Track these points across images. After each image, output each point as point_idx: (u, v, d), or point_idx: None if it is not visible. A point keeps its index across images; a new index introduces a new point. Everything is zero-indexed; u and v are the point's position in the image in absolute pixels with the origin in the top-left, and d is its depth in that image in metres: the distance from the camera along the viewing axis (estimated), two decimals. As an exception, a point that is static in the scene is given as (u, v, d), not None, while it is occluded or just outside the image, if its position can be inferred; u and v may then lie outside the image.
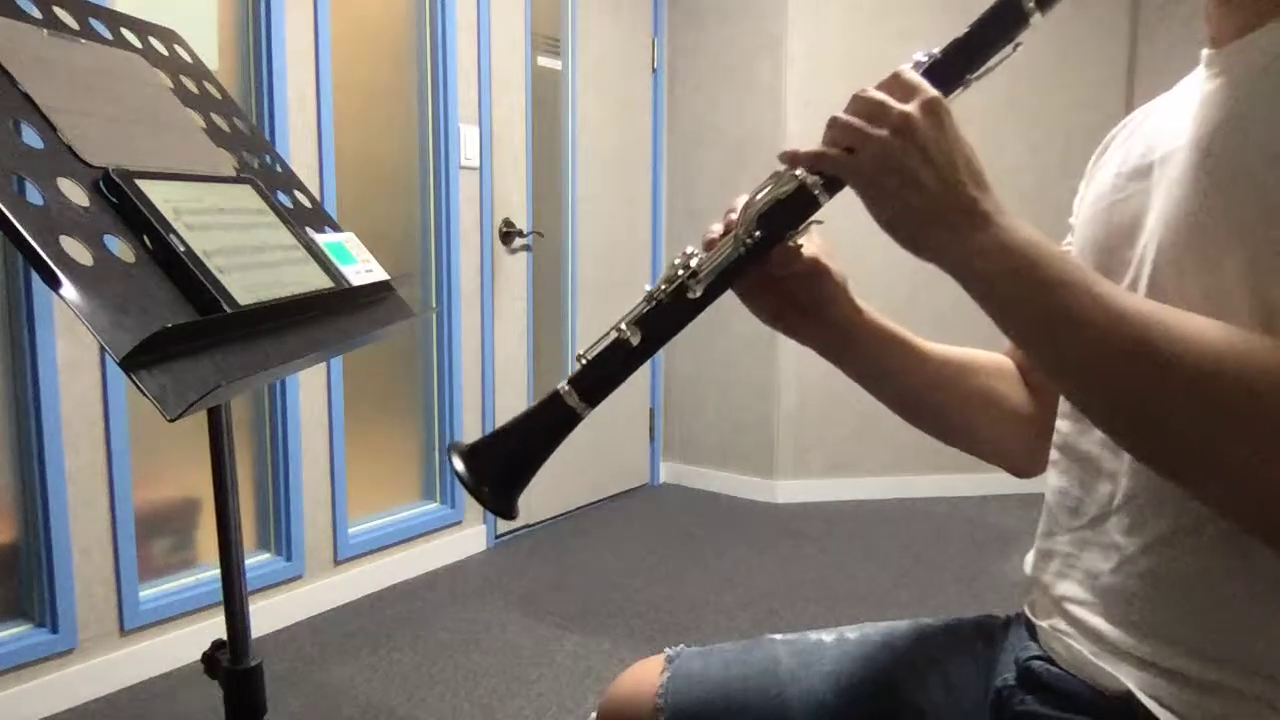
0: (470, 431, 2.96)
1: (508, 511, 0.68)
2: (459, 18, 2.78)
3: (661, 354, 3.81)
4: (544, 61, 3.18)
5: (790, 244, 0.72)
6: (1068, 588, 0.71)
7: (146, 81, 0.99)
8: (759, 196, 0.69)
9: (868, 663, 0.82)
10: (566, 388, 0.68)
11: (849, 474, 3.60)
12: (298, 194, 1.13)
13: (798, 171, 0.68)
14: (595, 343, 0.69)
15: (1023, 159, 3.52)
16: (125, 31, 1.02)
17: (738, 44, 3.55)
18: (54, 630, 1.95)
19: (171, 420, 0.67)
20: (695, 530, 3.24)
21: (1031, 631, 0.76)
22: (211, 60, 2.22)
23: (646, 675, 0.87)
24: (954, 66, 0.67)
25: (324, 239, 1.07)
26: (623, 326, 0.68)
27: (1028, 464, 0.85)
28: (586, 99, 3.35)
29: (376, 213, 2.67)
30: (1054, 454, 0.78)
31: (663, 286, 0.69)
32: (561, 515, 3.37)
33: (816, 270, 0.77)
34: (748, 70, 3.53)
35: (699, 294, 0.68)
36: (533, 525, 3.25)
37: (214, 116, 1.08)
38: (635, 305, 0.69)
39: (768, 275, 0.73)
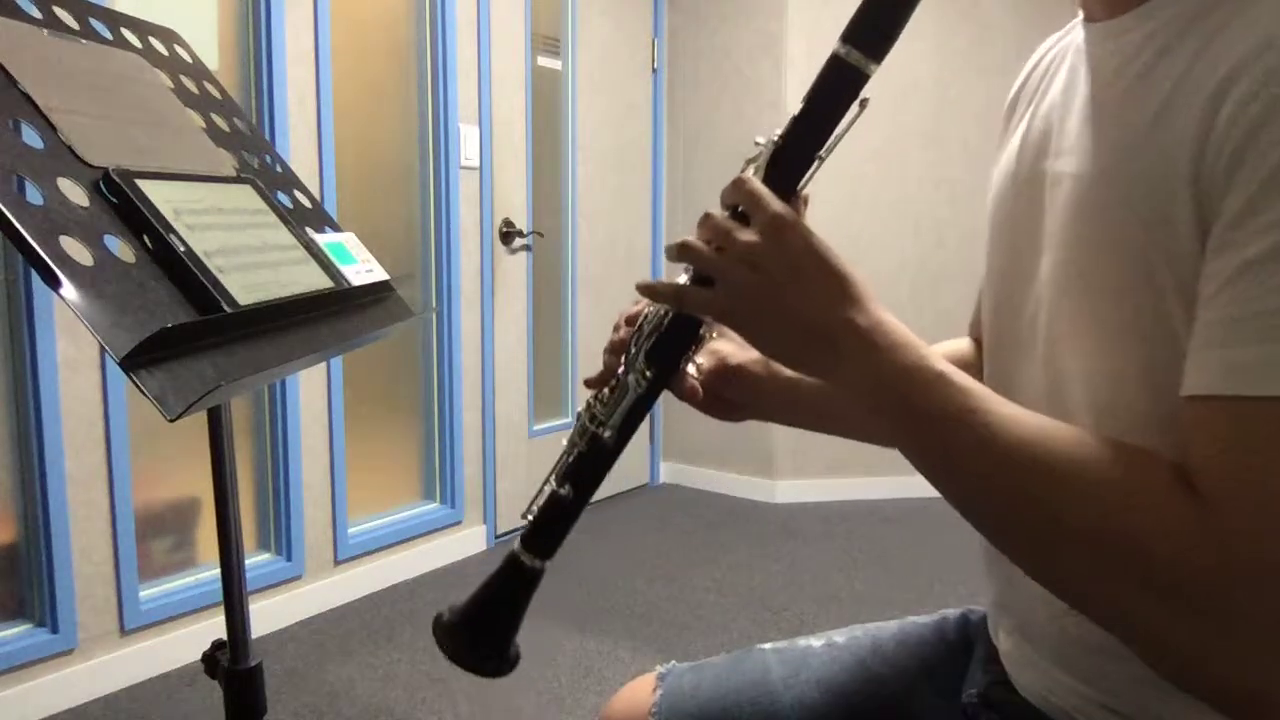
0: (470, 432, 2.96)
1: (505, 670, 0.71)
2: (459, 18, 2.78)
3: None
4: (544, 61, 3.18)
5: (686, 369, 0.71)
6: (1013, 625, 0.72)
7: (146, 81, 0.99)
8: (645, 329, 0.67)
9: (858, 666, 0.82)
10: (521, 550, 0.69)
11: (849, 474, 3.60)
12: (298, 194, 1.13)
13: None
14: (533, 499, 0.71)
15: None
16: (125, 31, 1.02)
17: (738, 44, 3.55)
18: (54, 630, 1.95)
19: (171, 420, 0.67)
20: (695, 530, 3.24)
21: (994, 651, 0.76)
22: (211, 60, 2.22)
23: (638, 695, 0.87)
24: (800, 148, 0.62)
25: (324, 239, 1.07)
26: (553, 482, 0.70)
27: None
28: (586, 99, 3.35)
29: (376, 213, 2.67)
30: None
31: (577, 438, 0.69)
32: (561, 515, 3.37)
33: (725, 373, 0.79)
34: (748, 70, 3.53)
35: (612, 438, 0.67)
36: (533, 525, 3.25)
37: (214, 116, 1.08)
38: (560, 456, 0.70)
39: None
